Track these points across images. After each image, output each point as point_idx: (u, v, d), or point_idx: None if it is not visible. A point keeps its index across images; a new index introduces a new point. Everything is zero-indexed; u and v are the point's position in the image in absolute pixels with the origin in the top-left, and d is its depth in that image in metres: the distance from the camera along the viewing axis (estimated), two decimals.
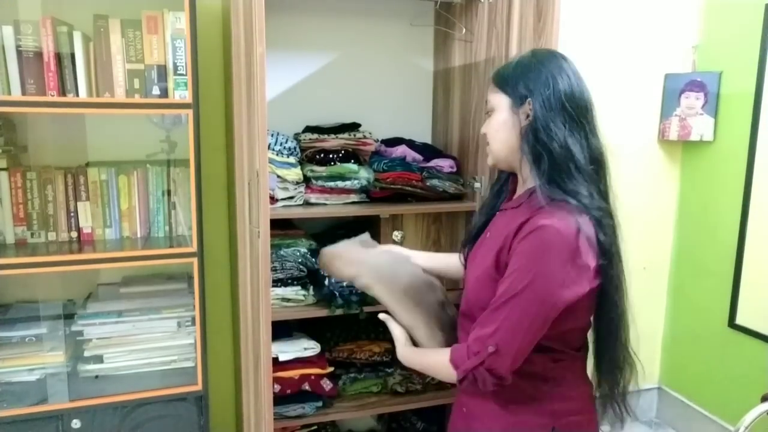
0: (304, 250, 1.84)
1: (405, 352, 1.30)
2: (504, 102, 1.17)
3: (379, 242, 1.90)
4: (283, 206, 1.81)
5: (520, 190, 1.22)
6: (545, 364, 1.16)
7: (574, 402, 1.21)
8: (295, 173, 1.79)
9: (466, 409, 1.28)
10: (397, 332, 1.33)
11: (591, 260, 1.07)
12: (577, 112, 1.12)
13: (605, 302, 1.17)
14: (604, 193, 1.16)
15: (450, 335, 1.32)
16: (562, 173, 1.10)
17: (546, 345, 1.13)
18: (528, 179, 1.18)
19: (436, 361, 1.19)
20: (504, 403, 1.18)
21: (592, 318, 1.23)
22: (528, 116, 1.13)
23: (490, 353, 1.06)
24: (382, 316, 1.36)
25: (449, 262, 1.49)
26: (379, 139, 2.02)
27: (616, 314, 1.20)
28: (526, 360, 1.10)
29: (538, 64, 1.15)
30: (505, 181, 1.30)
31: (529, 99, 1.13)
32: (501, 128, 1.18)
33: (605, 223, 1.10)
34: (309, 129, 1.94)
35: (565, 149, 1.10)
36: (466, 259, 1.34)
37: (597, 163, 1.14)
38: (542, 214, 1.07)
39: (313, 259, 1.83)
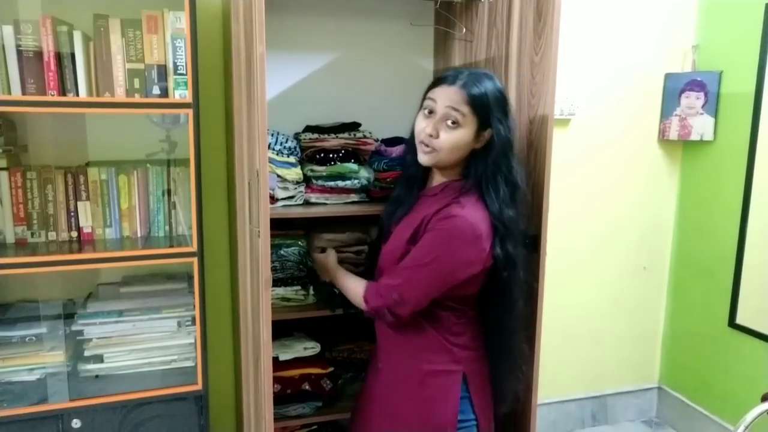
0: (304, 249, 1.85)
1: (333, 266, 1.64)
2: (473, 124, 1.35)
3: (379, 241, 1.90)
4: (283, 206, 1.81)
5: (437, 180, 1.46)
6: (450, 320, 1.42)
7: (476, 352, 1.46)
8: (295, 173, 1.79)
9: (381, 365, 1.52)
10: (332, 254, 1.68)
11: (487, 247, 1.33)
12: (511, 146, 1.38)
13: (496, 284, 1.40)
14: (515, 210, 1.38)
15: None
16: (487, 187, 1.36)
17: (450, 305, 1.40)
18: (451, 176, 1.43)
19: (354, 288, 1.49)
20: (420, 356, 1.43)
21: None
22: (480, 141, 1.37)
23: (394, 299, 1.36)
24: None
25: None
26: (379, 139, 2.02)
27: (504, 289, 1.41)
28: (437, 317, 1.40)
29: (502, 97, 1.38)
30: (417, 167, 1.46)
31: (491, 129, 1.35)
32: (463, 147, 1.37)
33: (506, 227, 1.34)
34: (309, 129, 1.94)
35: (496, 174, 1.35)
36: (386, 236, 1.53)
37: (514, 188, 1.38)
38: (457, 205, 1.33)
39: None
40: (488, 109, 1.34)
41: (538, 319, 1.62)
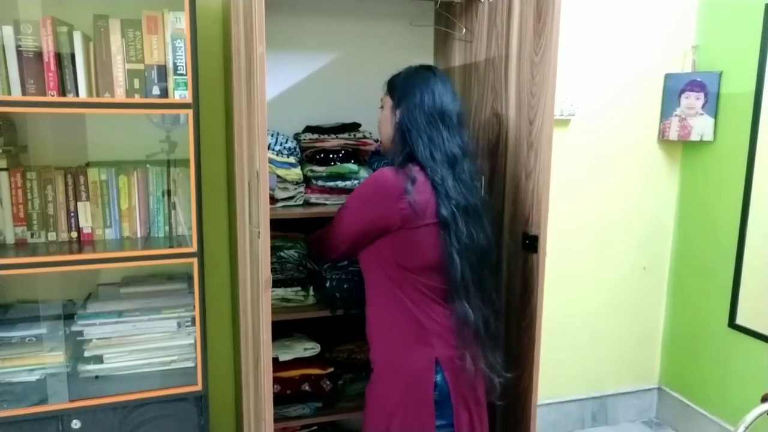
0: (304, 252, 1.85)
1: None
2: (388, 103, 1.58)
3: None
4: (283, 206, 1.81)
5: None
6: (421, 309, 1.47)
7: (448, 339, 1.47)
8: (295, 173, 1.79)
9: (373, 364, 1.57)
10: None
11: (404, 204, 1.41)
12: (434, 120, 1.48)
13: (446, 252, 1.45)
14: (460, 179, 1.46)
15: None
16: (415, 158, 1.47)
17: (419, 288, 1.46)
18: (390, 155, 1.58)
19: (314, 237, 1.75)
20: (397, 343, 1.49)
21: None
22: (396, 117, 1.53)
23: (315, 235, 1.71)
24: None
25: None
26: (379, 140, 2.02)
27: (456, 262, 1.44)
28: (407, 304, 1.46)
29: (413, 79, 1.53)
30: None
31: (401, 105, 1.51)
32: (384, 122, 1.60)
33: (443, 186, 1.43)
34: (309, 129, 1.94)
35: (420, 144, 1.47)
36: None
37: (453, 158, 1.46)
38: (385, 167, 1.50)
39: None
40: (395, 88, 1.56)
41: (537, 320, 1.62)
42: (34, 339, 1.64)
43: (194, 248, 1.60)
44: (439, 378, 1.46)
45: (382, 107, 1.62)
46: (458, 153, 1.48)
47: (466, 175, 1.48)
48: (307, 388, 1.85)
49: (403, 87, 1.54)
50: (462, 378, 1.47)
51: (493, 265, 1.57)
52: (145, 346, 1.70)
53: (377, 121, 1.65)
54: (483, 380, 1.51)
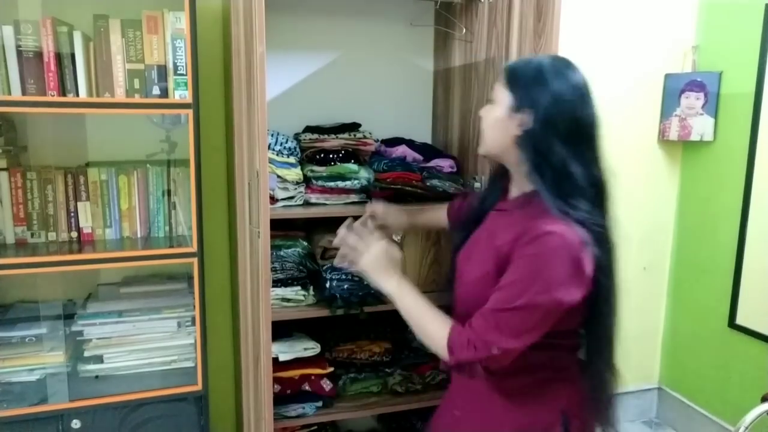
0: (304, 251, 1.85)
1: (398, 284, 1.24)
2: (505, 100, 1.15)
3: None
4: (283, 206, 1.81)
5: (514, 190, 1.23)
6: (549, 361, 1.18)
7: (577, 395, 1.22)
8: (295, 173, 1.79)
9: (459, 413, 1.27)
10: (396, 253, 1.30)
11: (589, 269, 1.07)
12: (580, 138, 1.12)
13: (595, 313, 1.16)
14: (603, 216, 1.15)
15: None
16: (564, 188, 1.09)
17: (547, 342, 1.14)
18: (522, 182, 1.18)
19: (433, 326, 1.17)
20: (512, 404, 1.19)
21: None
22: (521, 125, 1.12)
23: (492, 354, 1.07)
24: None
25: (437, 218, 1.67)
26: (379, 139, 2.02)
27: (603, 326, 1.19)
28: (532, 357, 1.13)
29: (554, 77, 1.11)
30: (499, 177, 1.30)
31: (530, 109, 1.11)
32: (495, 125, 1.17)
33: (603, 239, 1.11)
34: (309, 129, 1.94)
35: (564, 168, 1.09)
36: (455, 253, 1.32)
37: (597, 189, 1.13)
38: (546, 219, 1.07)
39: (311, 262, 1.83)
40: (523, 83, 1.13)
41: None
42: (34, 339, 1.64)
43: (194, 248, 1.61)
44: None
45: (489, 101, 1.21)
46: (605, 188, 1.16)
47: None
48: (307, 388, 1.85)
49: (537, 83, 1.12)
50: None
51: None
52: (145, 346, 1.70)
53: (483, 119, 1.22)
54: None
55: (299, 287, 1.81)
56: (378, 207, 1.62)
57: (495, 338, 1.07)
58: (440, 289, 2.01)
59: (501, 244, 1.13)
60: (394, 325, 2.05)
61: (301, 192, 1.82)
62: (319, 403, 1.87)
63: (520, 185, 1.20)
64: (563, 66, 1.15)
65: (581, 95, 1.13)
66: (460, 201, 1.61)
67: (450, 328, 1.13)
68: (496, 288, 1.10)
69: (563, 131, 1.09)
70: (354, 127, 1.95)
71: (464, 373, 1.16)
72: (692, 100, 2.43)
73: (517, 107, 1.12)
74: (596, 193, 1.12)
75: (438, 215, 1.66)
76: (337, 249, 1.87)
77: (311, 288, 1.84)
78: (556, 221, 1.06)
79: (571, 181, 1.09)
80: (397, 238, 1.72)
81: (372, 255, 1.27)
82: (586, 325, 1.20)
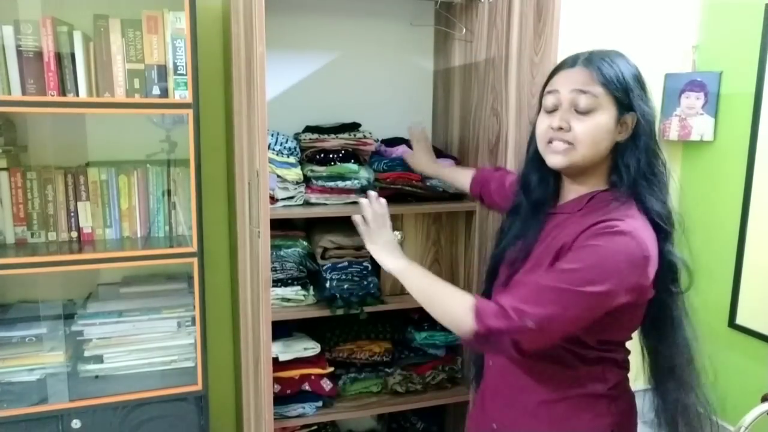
0: (304, 251, 1.85)
1: (403, 264, 1.24)
2: (612, 107, 1.07)
3: None
4: (283, 206, 1.81)
5: (572, 194, 1.16)
6: (599, 374, 1.14)
7: (628, 413, 1.21)
8: (295, 173, 1.79)
9: (497, 425, 1.20)
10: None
11: (650, 276, 1.04)
12: (655, 128, 1.11)
13: (660, 326, 1.12)
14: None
15: None
16: (645, 188, 1.09)
17: (598, 355, 1.12)
18: (591, 185, 1.13)
19: (452, 297, 1.09)
20: (559, 421, 1.11)
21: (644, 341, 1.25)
22: (625, 130, 1.08)
23: (526, 326, 0.98)
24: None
25: (458, 179, 1.74)
26: (379, 139, 2.02)
27: (677, 341, 1.15)
28: (582, 370, 1.10)
29: (638, 73, 1.11)
30: (542, 183, 1.20)
31: (635, 113, 1.07)
32: (604, 134, 1.07)
33: (674, 237, 1.10)
34: (309, 129, 1.94)
35: (653, 167, 1.09)
36: (495, 259, 1.26)
37: (668, 179, 1.14)
38: (619, 217, 1.03)
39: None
40: (626, 87, 1.07)
41: None
42: (34, 339, 1.64)
43: (194, 248, 1.61)
44: None
45: (587, 110, 1.07)
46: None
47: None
48: (307, 387, 1.85)
49: (635, 82, 1.09)
50: None
51: None
52: (145, 345, 1.70)
53: (582, 131, 1.08)
54: None
55: (299, 287, 1.81)
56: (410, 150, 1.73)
57: (532, 310, 0.98)
58: None
59: (560, 242, 1.08)
60: (394, 325, 2.05)
61: (301, 192, 1.82)
62: (319, 403, 1.87)
63: (585, 188, 1.13)
64: (628, 59, 1.14)
65: (647, 89, 1.12)
66: (490, 170, 1.63)
67: (475, 296, 1.07)
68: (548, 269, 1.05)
69: (652, 129, 1.09)
70: (354, 127, 1.95)
71: (488, 348, 1.08)
72: (692, 100, 2.43)
73: (623, 110, 1.08)
74: (667, 186, 1.14)
75: (462, 176, 1.70)
76: (336, 249, 1.89)
77: (311, 288, 1.84)
78: (628, 221, 1.02)
79: (659, 178, 1.10)
80: (397, 237, 1.72)
81: (385, 236, 1.33)
82: (656, 344, 1.18)
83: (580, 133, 1.07)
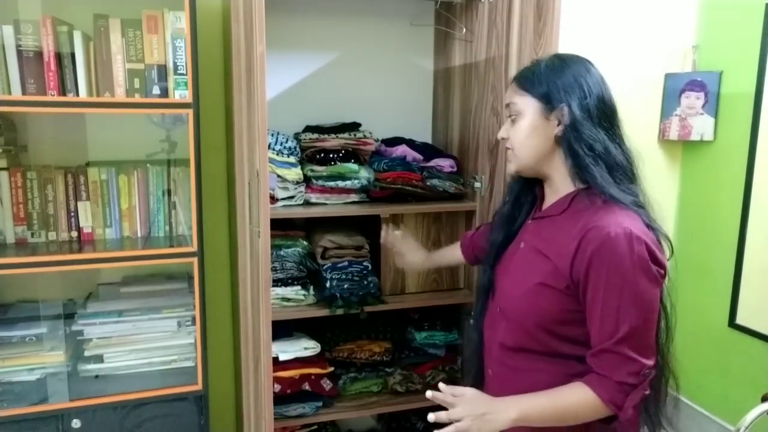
0: (304, 251, 1.85)
1: (515, 407, 1.05)
2: (533, 106, 1.13)
3: (379, 242, 1.90)
4: (284, 206, 1.81)
5: (552, 196, 1.19)
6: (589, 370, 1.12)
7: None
8: (295, 173, 1.80)
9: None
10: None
11: (663, 256, 1.07)
12: (609, 117, 1.13)
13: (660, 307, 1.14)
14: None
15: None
16: (613, 174, 1.09)
17: (578, 353, 1.12)
18: (561, 185, 1.16)
19: (577, 402, 1.06)
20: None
21: None
22: (560, 122, 1.11)
23: (648, 376, 1.06)
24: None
25: (451, 257, 1.62)
26: (379, 139, 2.02)
27: (665, 319, 1.21)
28: (577, 367, 1.11)
29: (567, 68, 1.13)
30: (526, 190, 1.26)
31: (563, 104, 1.10)
32: (531, 134, 1.14)
33: (653, 223, 1.10)
34: (309, 129, 1.94)
35: (607, 154, 1.09)
36: (492, 268, 1.29)
37: (631, 166, 1.14)
38: (604, 219, 1.04)
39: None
40: (544, 84, 1.12)
41: None
42: (34, 338, 1.64)
43: (194, 248, 1.61)
44: None
45: (512, 117, 1.17)
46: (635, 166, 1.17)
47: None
48: (307, 387, 1.85)
49: (557, 78, 1.12)
50: None
51: None
52: (145, 345, 1.70)
53: (504, 139, 1.19)
54: None
55: (299, 287, 1.81)
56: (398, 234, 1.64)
57: (637, 364, 1.04)
58: (441, 289, 2.01)
59: (553, 250, 1.11)
60: (394, 325, 2.05)
61: (301, 192, 1.82)
62: (319, 403, 1.87)
63: (558, 189, 1.17)
64: (563, 56, 1.18)
65: (596, 75, 1.14)
66: (471, 233, 1.58)
67: (592, 390, 1.04)
68: (594, 318, 1.05)
69: (597, 114, 1.10)
70: (354, 126, 1.95)
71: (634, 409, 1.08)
72: (692, 100, 2.43)
73: (550, 107, 1.12)
74: (632, 168, 1.14)
75: (452, 253, 1.63)
76: (337, 248, 1.88)
77: (311, 288, 1.84)
78: (615, 215, 1.04)
79: (617, 164, 1.10)
80: (398, 233, 1.72)
81: (482, 408, 1.05)
82: None
83: (512, 137, 1.17)
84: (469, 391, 1.06)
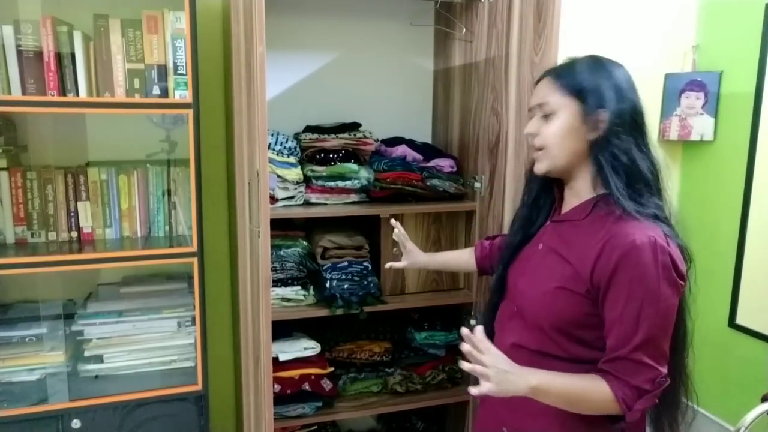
0: (304, 251, 1.85)
1: (535, 377, 1.05)
2: (573, 107, 1.12)
3: (380, 242, 1.90)
4: (284, 206, 1.81)
5: (572, 199, 1.18)
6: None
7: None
8: (295, 173, 1.79)
9: (507, 429, 1.20)
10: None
11: (684, 266, 1.06)
12: (640, 126, 1.12)
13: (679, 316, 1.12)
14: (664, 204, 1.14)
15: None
16: (636, 186, 1.08)
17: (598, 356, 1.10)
18: (583, 189, 1.15)
19: (592, 392, 1.06)
20: (572, 422, 1.10)
21: None
22: (597, 127, 1.10)
23: (662, 384, 1.05)
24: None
25: (457, 258, 1.59)
26: (379, 139, 2.02)
27: (683, 328, 1.17)
28: (590, 369, 1.09)
29: (607, 72, 1.13)
30: (546, 191, 1.25)
31: (604, 110, 1.09)
32: (567, 136, 1.12)
33: (676, 235, 1.09)
34: (309, 129, 1.94)
35: (631, 164, 1.08)
36: (504, 268, 1.28)
37: (657, 178, 1.13)
38: (628, 225, 1.04)
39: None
40: (587, 86, 1.11)
41: None
42: (34, 339, 1.64)
43: (194, 248, 1.60)
44: None
45: (547, 116, 1.14)
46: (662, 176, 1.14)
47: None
48: (307, 387, 1.85)
49: (600, 82, 1.12)
50: None
51: None
52: (145, 345, 1.70)
53: (547, 132, 1.14)
54: None
55: (299, 287, 1.81)
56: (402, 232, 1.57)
57: (654, 371, 1.04)
58: (441, 289, 2.01)
59: (573, 254, 1.10)
60: (394, 325, 2.05)
61: (301, 192, 1.82)
62: (319, 403, 1.87)
63: (580, 192, 1.16)
64: (601, 59, 1.17)
65: (632, 82, 1.15)
66: (489, 241, 1.53)
67: (609, 386, 1.05)
68: (612, 323, 1.05)
69: (630, 123, 1.10)
70: (354, 126, 1.95)
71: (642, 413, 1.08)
72: (692, 100, 2.43)
73: (589, 110, 1.10)
74: (656, 181, 1.12)
75: (460, 256, 1.58)
76: (336, 249, 1.88)
77: (311, 288, 1.84)
78: (639, 222, 1.04)
79: (641, 176, 1.08)
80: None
81: (502, 365, 1.04)
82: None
83: (545, 136, 1.14)
84: (494, 348, 1.06)
